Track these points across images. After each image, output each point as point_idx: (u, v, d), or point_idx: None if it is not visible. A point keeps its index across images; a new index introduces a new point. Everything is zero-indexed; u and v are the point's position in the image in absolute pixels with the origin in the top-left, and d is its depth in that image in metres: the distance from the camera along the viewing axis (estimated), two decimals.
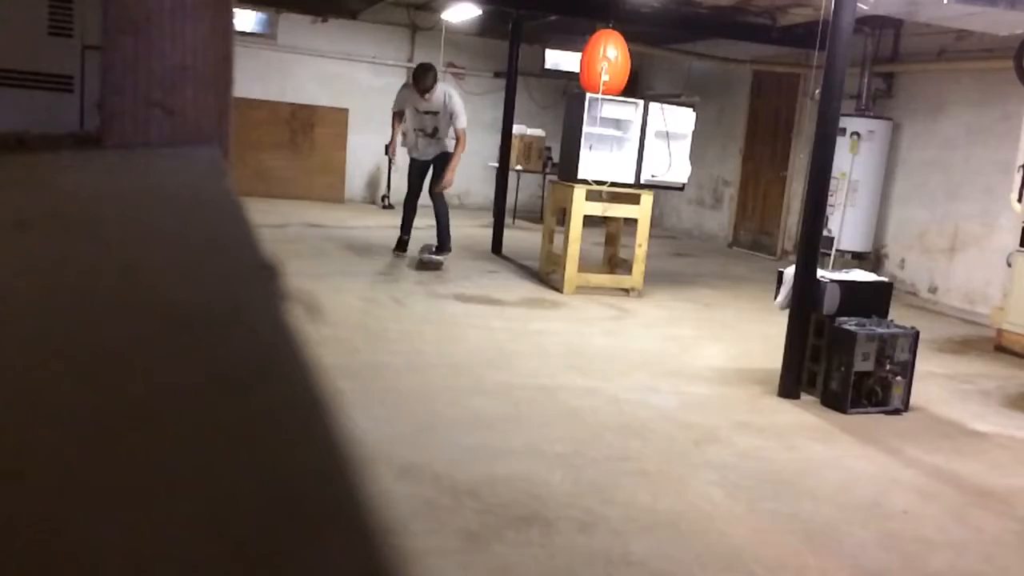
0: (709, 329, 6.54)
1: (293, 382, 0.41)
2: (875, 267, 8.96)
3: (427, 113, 7.80)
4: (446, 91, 7.79)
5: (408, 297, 6.68)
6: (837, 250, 8.95)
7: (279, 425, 0.37)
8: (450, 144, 7.92)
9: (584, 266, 7.66)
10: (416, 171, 8.12)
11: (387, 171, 12.77)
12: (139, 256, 0.62)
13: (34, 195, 0.86)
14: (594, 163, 7.39)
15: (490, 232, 9.59)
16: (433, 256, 7.92)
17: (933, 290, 8.75)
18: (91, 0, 1.85)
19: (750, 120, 11.84)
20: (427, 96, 7.63)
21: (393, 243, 8.46)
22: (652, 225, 7.79)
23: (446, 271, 7.88)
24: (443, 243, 8.07)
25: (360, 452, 0.35)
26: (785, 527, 3.20)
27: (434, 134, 7.90)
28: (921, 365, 4.95)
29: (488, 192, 12.26)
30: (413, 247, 8.20)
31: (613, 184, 7.37)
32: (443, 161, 7.95)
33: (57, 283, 0.54)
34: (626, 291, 7.52)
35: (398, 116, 8.09)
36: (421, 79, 7.61)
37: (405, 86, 8.07)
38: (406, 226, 8.27)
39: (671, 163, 7.53)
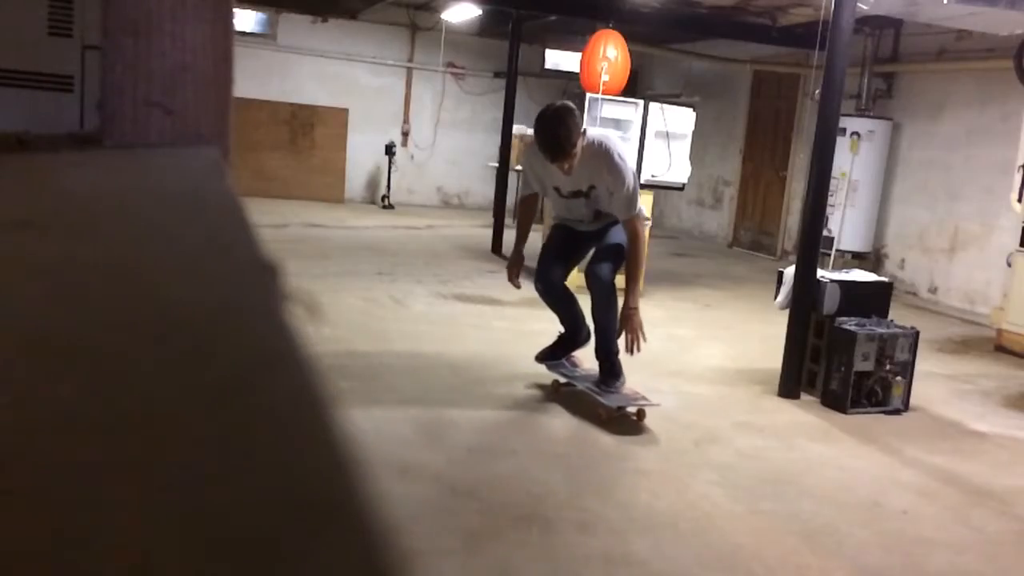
0: (709, 329, 6.54)
1: (293, 382, 0.41)
2: (875, 267, 8.95)
3: (573, 196, 4.25)
4: (597, 145, 4.06)
5: (408, 297, 6.68)
6: (837, 250, 8.95)
7: (279, 425, 0.37)
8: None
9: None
10: (563, 233, 4.52)
11: (387, 171, 12.77)
12: (139, 256, 0.62)
13: (34, 195, 0.86)
14: None
15: (490, 232, 9.58)
16: (613, 387, 4.37)
17: (933, 290, 8.75)
18: (91, 0, 1.85)
19: (750, 120, 11.83)
20: (567, 167, 4.04)
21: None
22: (652, 225, 7.78)
23: (445, 271, 7.85)
24: (611, 364, 4.41)
25: (360, 452, 0.35)
26: (785, 527, 3.19)
27: (595, 218, 4.38)
28: (921, 365, 4.95)
29: (488, 192, 12.26)
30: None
31: None
32: (611, 239, 4.38)
33: (57, 283, 0.54)
34: None
35: (528, 207, 4.63)
36: (553, 146, 3.95)
37: (529, 150, 4.34)
38: (574, 320, 4.61)
39: (671, 163, 7.53)
